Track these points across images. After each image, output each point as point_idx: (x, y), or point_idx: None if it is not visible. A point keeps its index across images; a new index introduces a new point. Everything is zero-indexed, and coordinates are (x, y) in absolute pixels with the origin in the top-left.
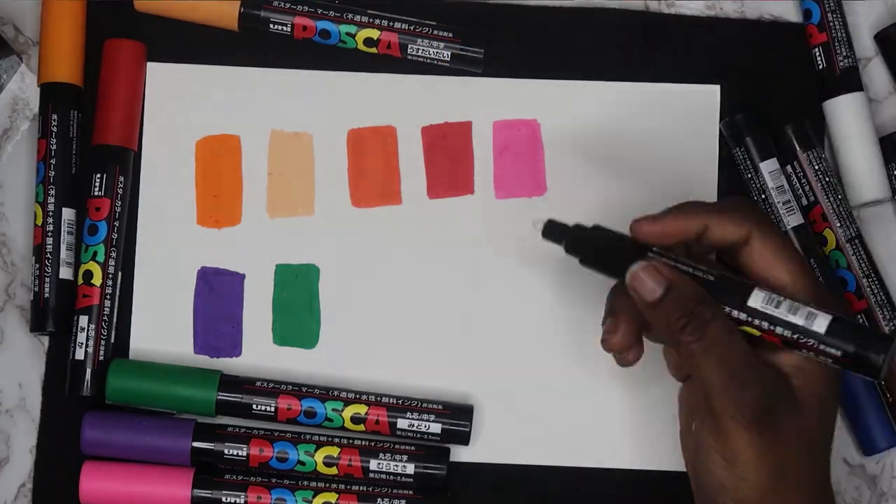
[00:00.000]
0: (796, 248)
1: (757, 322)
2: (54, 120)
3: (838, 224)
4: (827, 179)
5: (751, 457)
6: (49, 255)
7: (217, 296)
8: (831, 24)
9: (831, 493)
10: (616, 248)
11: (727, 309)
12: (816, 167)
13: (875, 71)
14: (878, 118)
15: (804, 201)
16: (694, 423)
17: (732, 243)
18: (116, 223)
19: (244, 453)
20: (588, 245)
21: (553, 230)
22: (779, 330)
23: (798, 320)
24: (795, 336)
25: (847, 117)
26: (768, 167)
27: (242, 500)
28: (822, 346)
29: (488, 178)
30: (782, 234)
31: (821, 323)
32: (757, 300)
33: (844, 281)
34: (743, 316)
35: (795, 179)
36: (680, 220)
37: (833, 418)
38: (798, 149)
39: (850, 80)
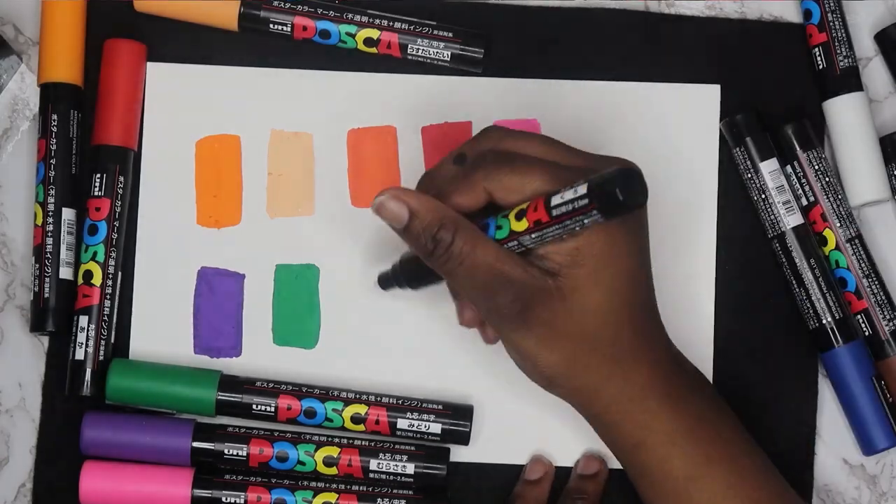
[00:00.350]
0: (532, 144)
1: (511, 244)
2: (54, 120)
3: (838, 224)
4: (827, 179)
5: (528, 347)
6: (49, 255)
7: (217, 296)
8: (831, 23)
9: (663, 352)
10: (420, 269)
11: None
12: (816, 167)
13: (875, 71)
14: (878, 118)
15: (804, 201)
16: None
17: (513, 191)
18: (116, 223)
19: (244, 453)
20: (407, 273)
21: (384, 282)
22: (552, 234)
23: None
24: (575, 222)
25: (847, 117)
26: (768, 167)
27: (242, 500)
28: (567, 222)
29: None
30: (510, 159)
31: (574, 191)
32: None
33: (844, 281)
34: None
35: (795, 179)
36: (433, 217)
37: (629, 290)
38: (798, 149)
39: (850, 80)
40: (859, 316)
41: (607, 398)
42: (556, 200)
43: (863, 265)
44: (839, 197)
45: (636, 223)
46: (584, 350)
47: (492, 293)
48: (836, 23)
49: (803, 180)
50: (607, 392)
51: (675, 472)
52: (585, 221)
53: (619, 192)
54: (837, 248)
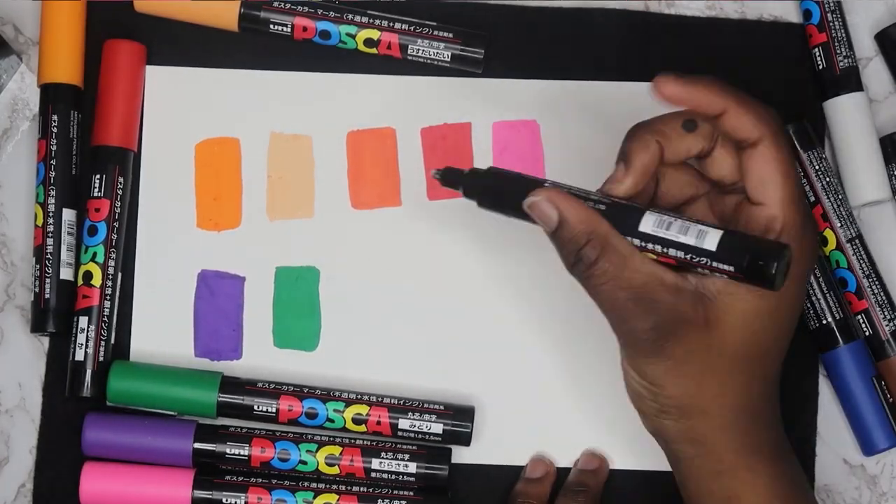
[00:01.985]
0: (796, 170)
1: (650, 246)
2: (54, 120)
3: (838, 224)
4: (827, 180)
5: (655, 376)
6: (49, 256)
7: (217, 299)
8: (831, 24)
9: (777, 412)
10: (511, 188)
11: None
12: (817, 167)
13: (875, 71)
14: (879, 118)
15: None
16: None
17: (741, 140)
18: (116, 224)
19: (246, 453)
20: (483, 186)
21: (450, 176)
22: (672, 252)
23: (689, 240)
24: (688, 256)
25: (847, 117)
26: None
27: (243, 501)
28: (714, 263)
29: None
30: (791, 152)
31: (712, 240)
32: (648, 224)
33: (844, 281)
34: (637, 242)
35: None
36: (704, 93)
37: (764, 333)
38: (798, 149)
39: (850, 80)
40: (860, 316)
41: (718, 446)
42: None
43: (863, 265)
44: (839, 197)
45: (802, 296)
46: (713, 391)
47: (631, 317)
48: (836, 23)
49: (804, 180)
50: (720, 440)
51: None
52: (714, 274)
53: (775, 271)
54: (838, 248)
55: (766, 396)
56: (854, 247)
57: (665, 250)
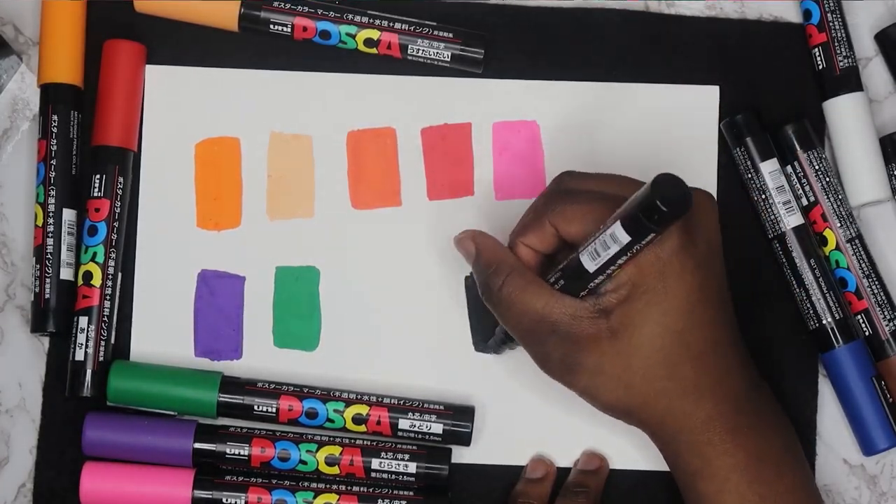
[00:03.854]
0: (597, 182)
1: (610, 270)
2: (54, 120)
3: (838, 224)
4: (827, 179)
5: (579, 392)
6: (49, 256)
7: (217, 298)
8: (831, 24)
9: (733, 381)
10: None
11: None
12: (816, 167)
13: (875, 71)
14: (879, 118)
15: (804, 201)
16: None
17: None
18: (116, 224)
19: (246, 453)
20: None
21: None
22: (619, 263)
23: (613, 249)
24: (628, 256)
25: (847, 117)
26: (768, 167)
27: (243, 501)
28: (639, 246)
29: (488, 179)
30: (573, 195)
31: (621, 235)
32: (589, 263)
33: (844, 281)
34: (600, 279)
35: (795, 179)
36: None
37: (684, 318)
38: (798, 149)
39: (850, 80)
40: (859, 316)
41: (670, 429)
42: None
43: (863, 265)
44: (839, 197)
45: (692, 261)
46: (638, 386)
47: (537, 339)
48: (836, 23)
49: (804, 180)
50: (669, 424)
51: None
52: (637, 247)
53: (659, 202)
54: (838, 248)
55: (709, 372)
56: (854, 247)
57: (616, 267)
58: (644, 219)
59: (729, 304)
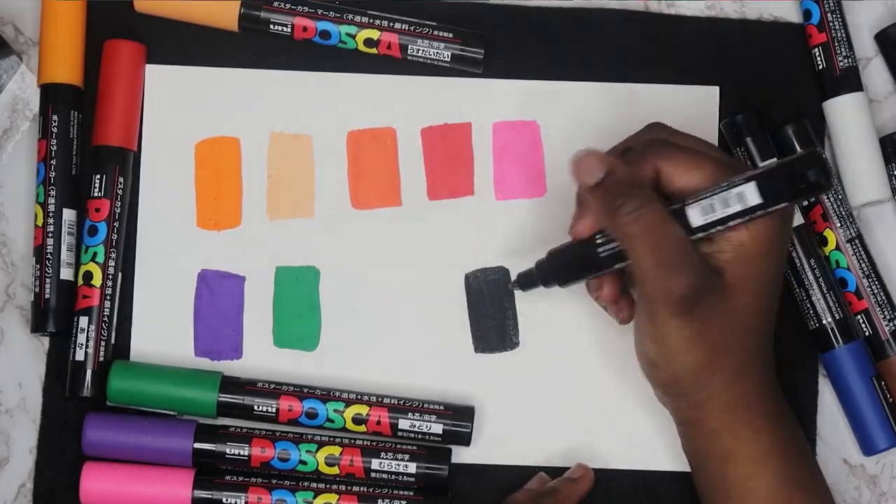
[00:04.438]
0: (694, 141)
1: (713, 230)
2: (54, 120)
3: (838, 224)
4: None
5: (678, 340)
6: (49, 256)
7: (217, 298)
8: (831, 24)
9: (770, 368)
10: (577, 254)
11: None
12: None
13: (875, 71)
14: (878, 118)
15: (804, 202)
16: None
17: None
18: (116, 224)
19: (246, 453)
20: (557, 268)
21: (526, 280)
22: (733, 224)
23: (736, 207)
24: (746, 219)
25: (847, 117)
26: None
27: (243, 501)
28: (770, 208)
29: (488, 179)
30: (680, 146)
31: (753, 195)
32: (696, 217)
33: (844, 281)
34: (699, 235)
35: None
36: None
37: (770, 296)
38: (798, 149)
39: (850, 80)
40: (859, 316)
41: (717, 405)
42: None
43: (863, 265)
44: (839, 197)
45: (785, 248)
46: (723, 353)
47: (672, 272)
48: (836, 23)
49: None
50: (719, 399)
51: (758, 491)
52: (774, 216)
53: (810, 173)
54: (838, 248)
55: (762, 353)
56: (854, 247)
57: (724, 228)
58: (786, 185)
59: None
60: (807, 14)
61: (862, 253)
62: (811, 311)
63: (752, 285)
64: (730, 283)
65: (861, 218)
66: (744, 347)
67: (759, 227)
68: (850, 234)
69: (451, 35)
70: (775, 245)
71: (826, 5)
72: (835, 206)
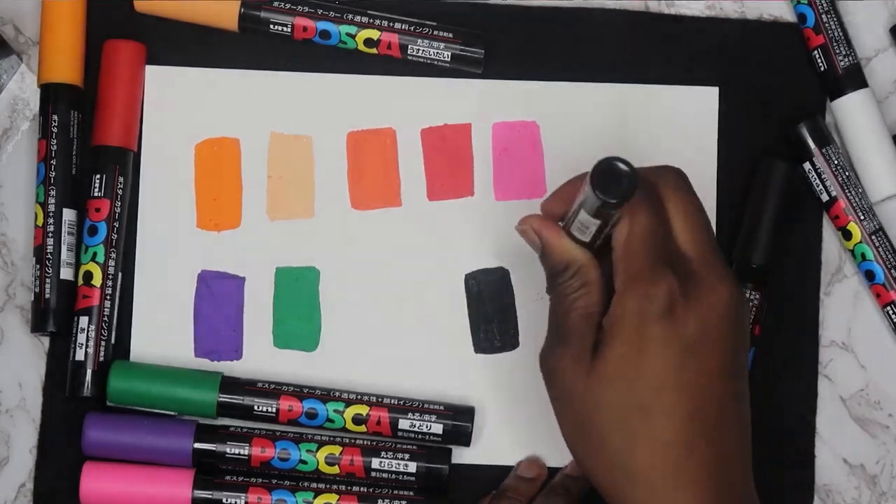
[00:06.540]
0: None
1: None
2: (54, 120)
3: (861, 217)
4: (847, 174)
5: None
6: (49, 256)
7: (217, 299)
8: (826, 24)
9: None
10: None
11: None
12: (835, 162)
13: (879, 67)
14: (891, 113)
15: (825, 197)
16: None
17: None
18: (116, 224)
19: (246, 453)
20: None
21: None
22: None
23: (592, 229)
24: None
25: (855, 115)
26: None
27: (243, 501)
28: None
29: (488, 180)
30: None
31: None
32: (582, 237)
33: (872, 273)
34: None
35: (815, 176)
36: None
37: (652, 370)
38: (813, 146)
39: (854, 79)
40: (888, 308)
41: (650, 482)
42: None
43: (889, 257)
44: (859, 191)
45: (676, 338)
46: (593, 441)
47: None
48: (832, 23)
49: (824, 176)
50: (649, 475)
51: None
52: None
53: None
54: (863, 241)
55: (677, 456)
56: (877, 239)
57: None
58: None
59: (728, 414)
60: (801, 18)
61: (887, 244)
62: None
63: (615, 375)
64: (595, 368)
65: (880, 212)
66: (621, 449)
67: (629, 304)
68: (873, 226)
69: (451, 35)
70: (650, 330)
71: (819, 6)
72: (855, 200)
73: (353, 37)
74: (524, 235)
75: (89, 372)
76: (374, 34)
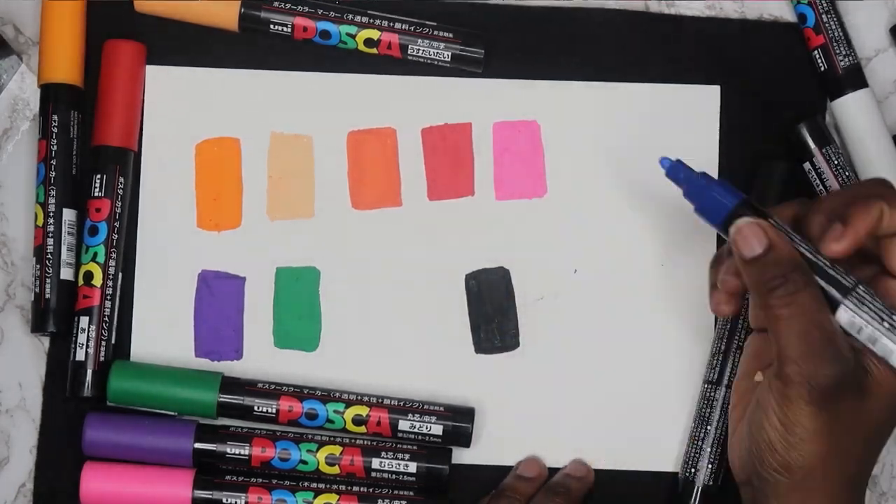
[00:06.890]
0: None
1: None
2: (54, 120)
3: None
4: (847, 174)
5: (808, 429)
6: (50, 256)
7: (218, 299)
8: (826, 24)
9: (864, 485)
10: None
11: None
12: (836, 162)
13: (879, 67)
14: (891, 114)
15: None
16: (759, 378)
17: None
18: (116, 224)
19: (246, 453)
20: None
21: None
22: (864, 332)
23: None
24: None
25: (857, 115)
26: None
27: (243, 501)
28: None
29: (488, 179)
30: None
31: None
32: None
33: None
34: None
35: (815, 176)
36: (863, 220)
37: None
38: (813, 146)
39: (854, 79)
40: None
41: None
42: None
43: None
44: None
45: None
46: (840, 455)
47: (818, 361)
48: (832, 23)
49: (824, 176)
50: None
51: None
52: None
53: None
54: None
55: (865, 477)
56: None
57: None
58: None
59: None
60: (802, 18)
61: None
62: None
63: (888, 395)
64: (874, 385)
65: None
66: (858, 458)
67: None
68: None
69: (451, 35)
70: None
71: (820, 6)
72: None
73: (354, 37)
74: (738, 235)
75: (89, 372)
76: (374, 34)
